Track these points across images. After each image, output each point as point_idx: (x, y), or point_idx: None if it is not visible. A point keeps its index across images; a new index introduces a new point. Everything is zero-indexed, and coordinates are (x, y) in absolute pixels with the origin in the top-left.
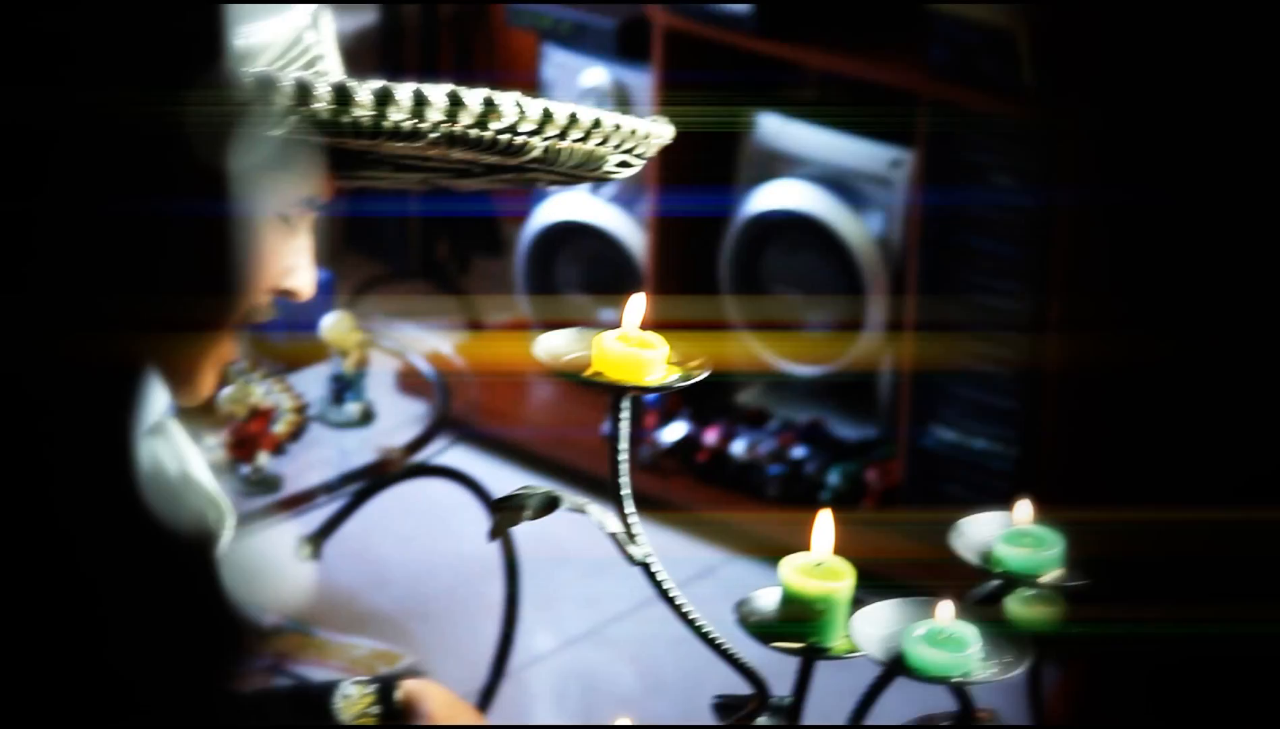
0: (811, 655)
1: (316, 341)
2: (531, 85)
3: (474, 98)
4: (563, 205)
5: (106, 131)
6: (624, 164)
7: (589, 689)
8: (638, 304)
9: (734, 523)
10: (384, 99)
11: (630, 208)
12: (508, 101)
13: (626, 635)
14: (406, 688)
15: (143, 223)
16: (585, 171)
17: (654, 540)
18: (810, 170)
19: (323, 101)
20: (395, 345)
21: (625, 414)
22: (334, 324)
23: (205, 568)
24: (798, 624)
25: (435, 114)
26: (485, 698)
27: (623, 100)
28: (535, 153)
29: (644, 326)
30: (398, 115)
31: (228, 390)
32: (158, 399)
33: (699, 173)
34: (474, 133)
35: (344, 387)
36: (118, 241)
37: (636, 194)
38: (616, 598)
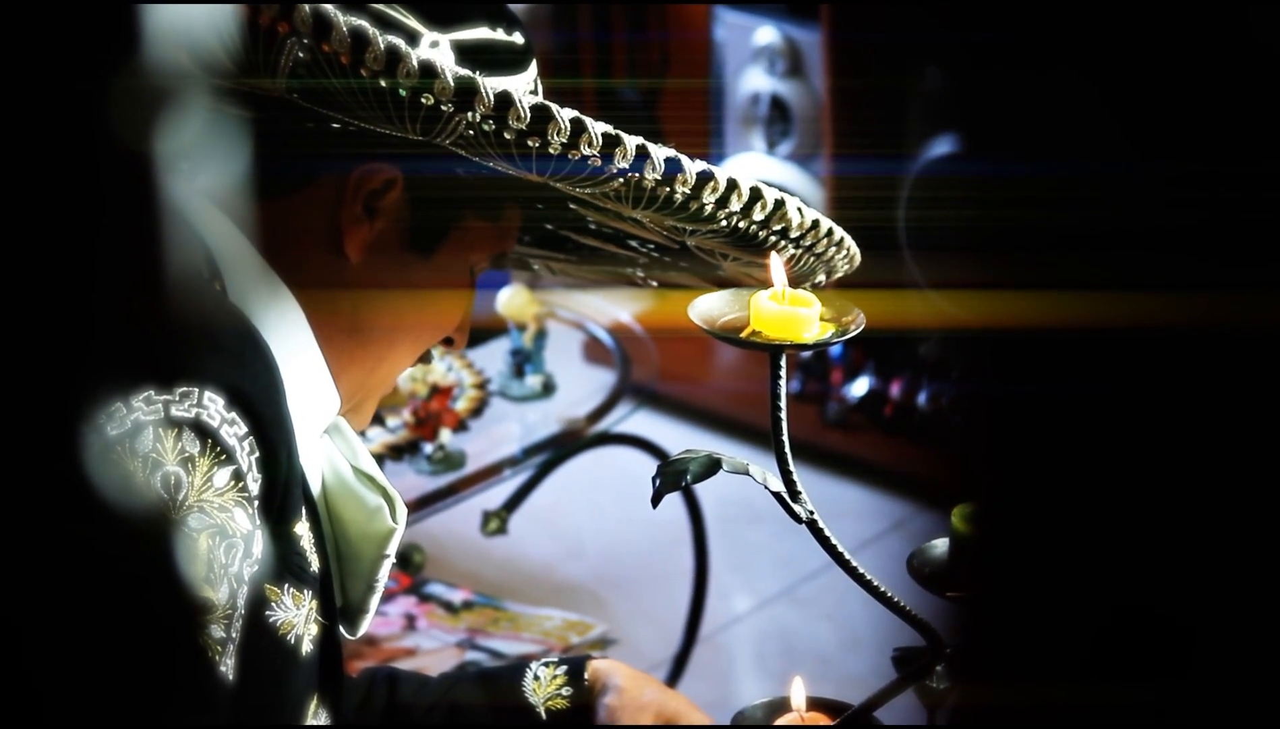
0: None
1: (494, 316)
2: (703, 46)
3: (771, 194)
4: (740, 166)
5: None
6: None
7: (786, 649)
8: (780, 262)
9: (921, 475)
10: (702, 180)
11: (807, 166)
12: (791, 206)
13: (821, 593)
14: (594, 667)
15: None
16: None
17: (844, 496)
18: None
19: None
20: (573, 316)
21: (783, 372)
22: (510, 297)
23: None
24: (969, 572)
25: (736, 203)
26: (679, 663)
27: (794, 58)
28: (785, 255)
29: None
30: (711, 197)
31: (408, 369)
32: (330, 404)
33: (872, 128)
34: (755, 229)
35: (523, 360)
36: None
37: (814, 152)
38: (810, 556)
